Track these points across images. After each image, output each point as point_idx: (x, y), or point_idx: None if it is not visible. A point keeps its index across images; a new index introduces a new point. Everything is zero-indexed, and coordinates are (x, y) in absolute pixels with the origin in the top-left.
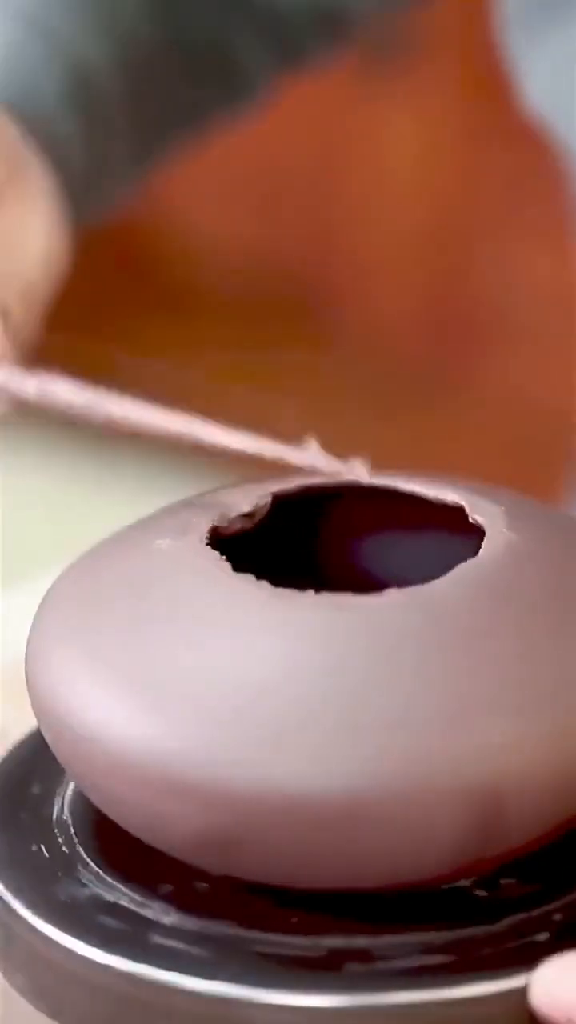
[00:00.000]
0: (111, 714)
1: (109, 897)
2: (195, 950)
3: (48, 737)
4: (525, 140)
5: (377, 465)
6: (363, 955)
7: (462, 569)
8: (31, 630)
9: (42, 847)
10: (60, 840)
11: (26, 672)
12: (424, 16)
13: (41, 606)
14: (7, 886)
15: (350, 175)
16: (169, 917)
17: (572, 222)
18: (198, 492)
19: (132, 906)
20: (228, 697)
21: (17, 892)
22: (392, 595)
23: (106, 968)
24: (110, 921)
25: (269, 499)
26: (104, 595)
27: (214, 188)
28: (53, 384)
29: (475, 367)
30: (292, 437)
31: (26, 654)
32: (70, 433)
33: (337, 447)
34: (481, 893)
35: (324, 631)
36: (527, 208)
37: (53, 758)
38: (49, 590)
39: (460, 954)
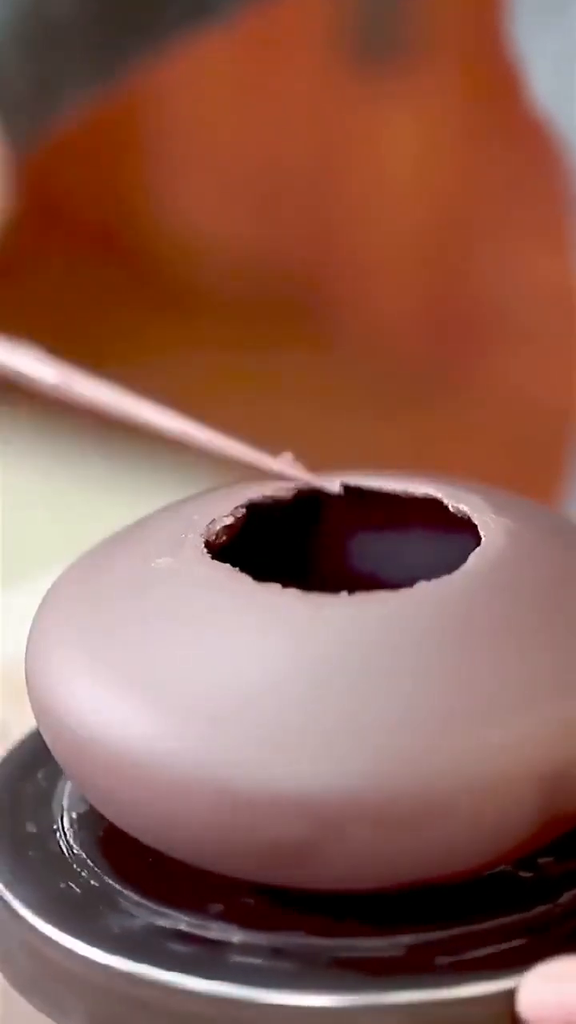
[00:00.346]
0: (111, 714)
1: (165, 923)
2: (280, 964)
3: (47, 737)
4: (525, 140)
5: (377, 465)
6: (447, 948)
7: (462, 568)
8: (31, 630)
9: (70, 884)
10: (84, 874)
11: (26, 672)
12: (424, 16)
13: (41, 606)
14: (55, 924)
15: (350, 175)
16: (237, 935)
17: (572, 222)
18: (193, 494)
19: (193, 930)
20: (228, 697)
21: (67, 928)
22: (390, 595)
23: (106, 968)
24: (179, 947)
25: (256, 503)
26: (104, 595)
27: (214, 188)
28: (23, 356)
29: (475, 367)
30: (287, 439)
31: (26, 654)
32: (71, 433)
33: (337, 447)
34: (526, 874)
35: (324, 631)
36: (527, 208)
37: (51, 768)
38: (49, 590)
39: (537, 934)
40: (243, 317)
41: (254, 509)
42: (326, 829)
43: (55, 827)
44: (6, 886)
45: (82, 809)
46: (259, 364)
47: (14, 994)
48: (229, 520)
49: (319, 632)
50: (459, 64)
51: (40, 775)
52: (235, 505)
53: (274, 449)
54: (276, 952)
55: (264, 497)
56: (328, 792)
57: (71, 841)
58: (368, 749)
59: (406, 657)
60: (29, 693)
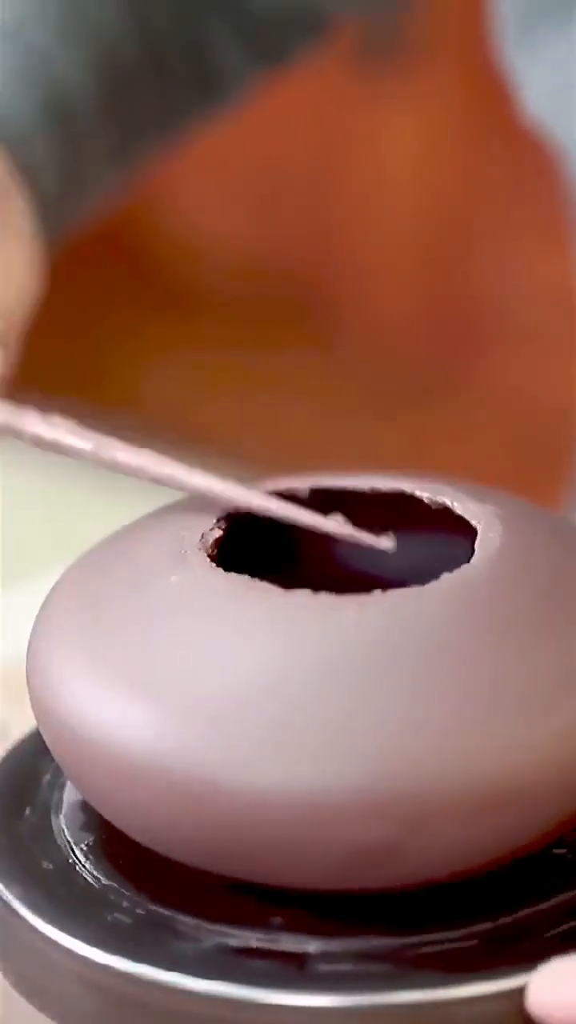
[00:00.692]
0: (111, 714)
1: (235, 943)
2: (366, 967)
3: (47, 737)
4: (525, 140)
5: (377, 465)
6: (525, 932)
7: (459, 570)
8: (31, 630)
9: (115, 915)
10: (125, 904)
11: (26, 672)
12: (424, 16)
13: (41, 606)
14: (127, 957)
15: (350, 175)
16: (311, 945)
17: (572, 222)
18: (192, 494)
19: (266, 945)
20: (228, 697)
21: (144, 959)
22: (388, 595)
23: (106, 968)
24: (260, 964)
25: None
26: (104, 596)
27: (214, 188)
28: (57, 428)
29: (475, 367)
30: (288, 439)
31: (26, 654)
32: None
33: (337, 447)
34: (560, 851)
35: (323, 631)
36: (527, 208)
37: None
38: (50, 591)
39: None
40: (243, 317)
41: (239, 515)
42: (324, 830)
43: (70, 860)
44: (56, 925)
45: (89, 840)
46: (259, 364)
47: (14, 994)
48: (218, 533)
49: (320, 632)
50: (459, 64)
51: (28, 812)
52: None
53: (276, 451)
54: (359, 956)
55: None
56: (328, 793)
57: (94, 873)
58: (369, 750)
59: (409, 657)
60: (29, 693)
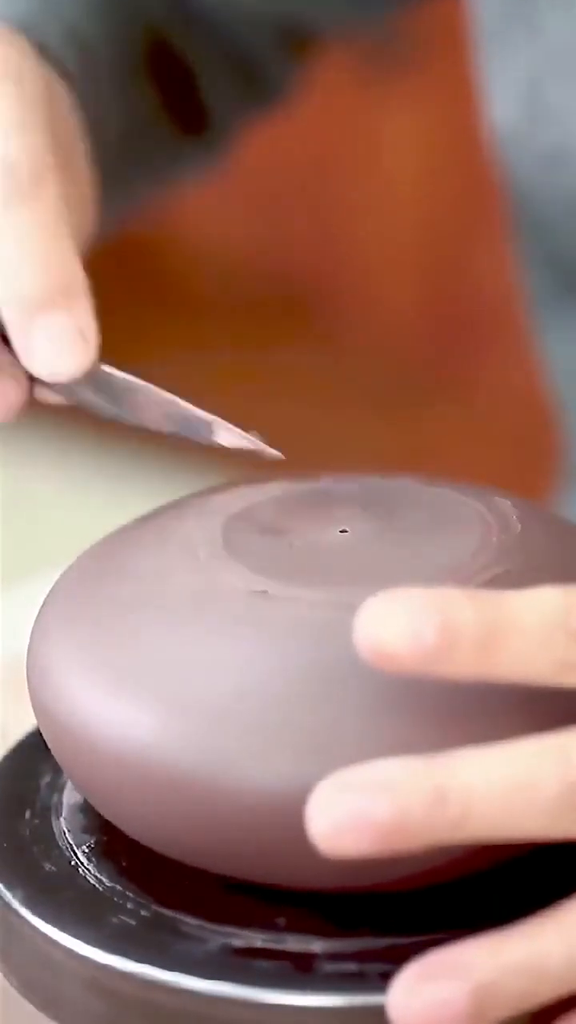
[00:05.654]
0: (111, 714)
1: (240, 943)
2: (371, 967)
3: (47, 737)
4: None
5: (377, 465)
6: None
7: (462, 568)
8: (31, 630)
9: (121, 918)
10: (130, 907)
11: (26, 672)
12: (425, 17)
13: (42, 606)
14: (135, 959)
15: (351, 176)
16: (317, 945)
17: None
18: (192, 493)
19: (271, 945)
20: (229, 697)
21: (152, 961)
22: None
23: (105, 968)
24: (266, 964)
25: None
26: (104, 595)
27: (215, 189)
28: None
29: (475, 367)
30: (288, 439)
31: (27, 654)
32: (70, 433)
33: (337, 447)
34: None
35: (322, 630)
36: None
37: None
38: (50, 590)
39: None
40: (243, 317)
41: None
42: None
43: (72, 863)
44: (61, 928)
45: (91, 842)
46: (260, 364)
47: (14, 994)
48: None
49: (320, 632)
50: (460, 65)
51: (28, 815)
52: (230, 506)
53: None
54: (366, 956)
55: (251, 501)
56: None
57: (98, 875)
58: (341, 754)
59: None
60: (29, 693)
